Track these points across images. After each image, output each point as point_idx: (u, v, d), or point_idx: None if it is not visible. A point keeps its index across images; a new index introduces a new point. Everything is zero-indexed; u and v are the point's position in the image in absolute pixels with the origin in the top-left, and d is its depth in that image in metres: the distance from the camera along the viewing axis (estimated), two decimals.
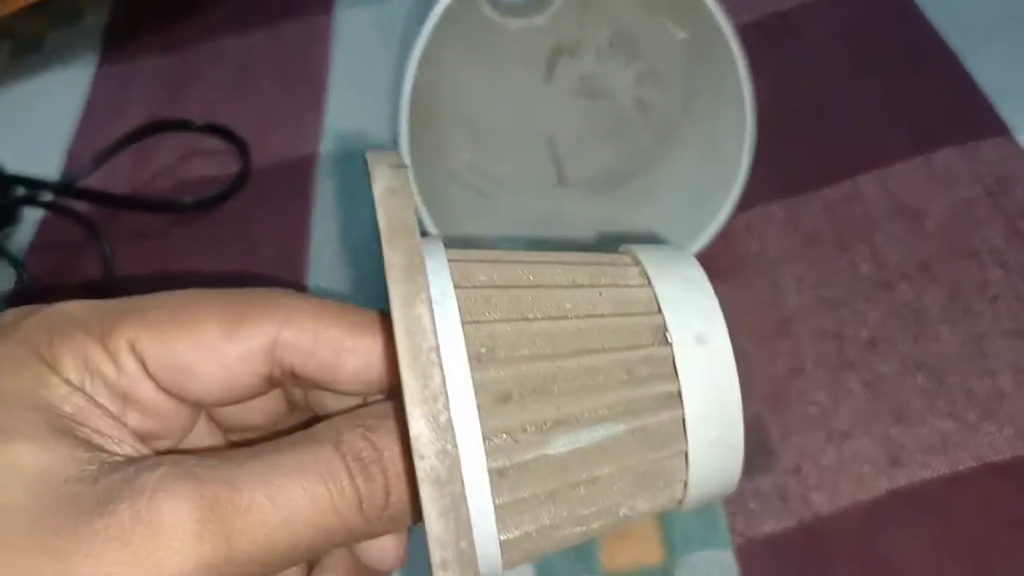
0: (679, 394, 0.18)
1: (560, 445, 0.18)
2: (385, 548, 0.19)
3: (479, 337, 0.17)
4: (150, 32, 0.51)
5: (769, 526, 0.28)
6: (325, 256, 0.38)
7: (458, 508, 0.16)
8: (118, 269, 0.39)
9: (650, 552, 0.28)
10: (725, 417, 0.19)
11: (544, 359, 0.18)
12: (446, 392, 0.16)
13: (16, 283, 0.39)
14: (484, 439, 0.17)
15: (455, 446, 0.16)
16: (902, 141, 0.35)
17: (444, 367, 0.16)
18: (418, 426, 0.16)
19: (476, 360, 0.17)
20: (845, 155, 0.35)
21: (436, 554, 0.16)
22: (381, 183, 0.18)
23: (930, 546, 0.26)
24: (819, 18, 0.40)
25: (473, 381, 0.17)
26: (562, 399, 0.18)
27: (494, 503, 0.17)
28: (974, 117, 0.34)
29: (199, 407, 0.19)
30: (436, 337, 0.16)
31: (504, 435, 0.17)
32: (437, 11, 0.31)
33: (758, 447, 0.29)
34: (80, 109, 0.48)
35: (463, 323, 0.17)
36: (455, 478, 0.16)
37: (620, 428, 0.18)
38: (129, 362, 0.17)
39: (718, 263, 0.34)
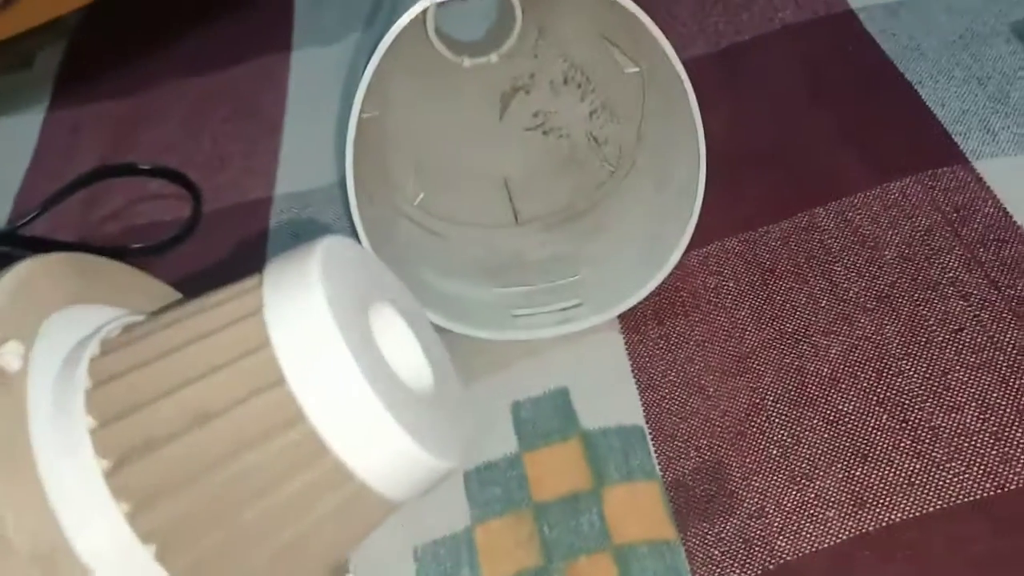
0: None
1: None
2: None
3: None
4: (103, 76, 0.50)
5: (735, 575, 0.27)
6: None
7: None
8: None
9: None
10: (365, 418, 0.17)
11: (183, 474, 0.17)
12: None
13: None
14: None
15: None
16: (859, 171, 0.34)
17: None
18: None
19: None
20: (802, 187, 0.34)
21: None
22: None
23: None
24: (774, 50, 0.39)
25: None
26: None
27: None
28: (931, 145, 0.34)
29: None
30: None
31: None
32: (382, 47, 0.30)
33: (719, 489, 0.28)
34: (29, 155, 0.47)
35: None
36: None
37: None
38: None
39: (676, 298, 0.33)
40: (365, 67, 0.30)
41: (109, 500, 0.17)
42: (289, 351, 0.17)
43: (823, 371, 0.30)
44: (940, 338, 0.30)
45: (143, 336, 0.19)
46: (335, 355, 0.17)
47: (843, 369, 0.30)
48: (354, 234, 0.31)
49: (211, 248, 0.40)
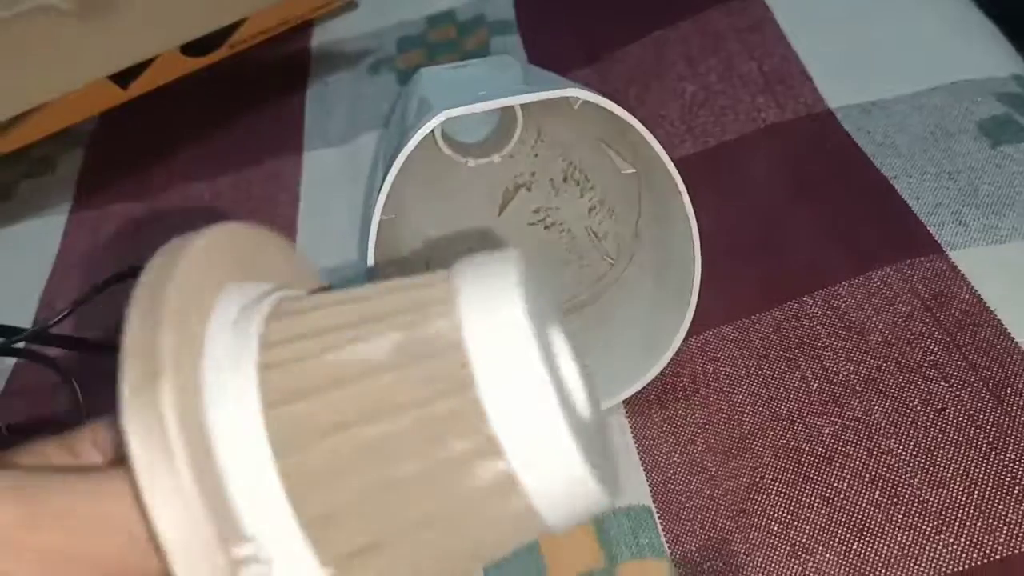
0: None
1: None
2: None
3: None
4: (121, 179, 0.52)
5: None
6: None
7: None
8: (90, 410, 0.40)
9: None
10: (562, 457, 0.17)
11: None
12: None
13: None
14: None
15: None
16: (842, 262, 0.36)
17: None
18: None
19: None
20: (790, 277, 0.37)
21: None
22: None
23: None
24: (758, 148, 0.42)
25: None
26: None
27: None
28: (907, 236, 0.37)
29: None
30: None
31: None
32: (401, 158, 0.32)
33: (725, 565, 0.30)
34: (53, 255, 0.49)
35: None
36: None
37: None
38: None
39: (676, 383, 0.35)
40: (383, 178, 0.33)
41: (276, 483, 0.18)
42: (483, 358, 0.17)
43: (818, 450, 0.32)
44: (925, 418, 0.32)
45: (314, 320, 0.19)
46: (530, 368, 0.17)
47: (836, 448, 0.32)
48: None
49: None
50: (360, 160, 0.49)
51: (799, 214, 0.39)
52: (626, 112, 0.32)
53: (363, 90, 0.53)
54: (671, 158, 0.32)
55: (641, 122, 0.32)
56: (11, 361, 0.43)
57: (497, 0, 0.56)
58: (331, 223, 0.46)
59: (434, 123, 0.32)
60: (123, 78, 0.49)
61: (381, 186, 0.33)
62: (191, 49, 0.51)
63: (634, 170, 0.37)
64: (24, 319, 0.46)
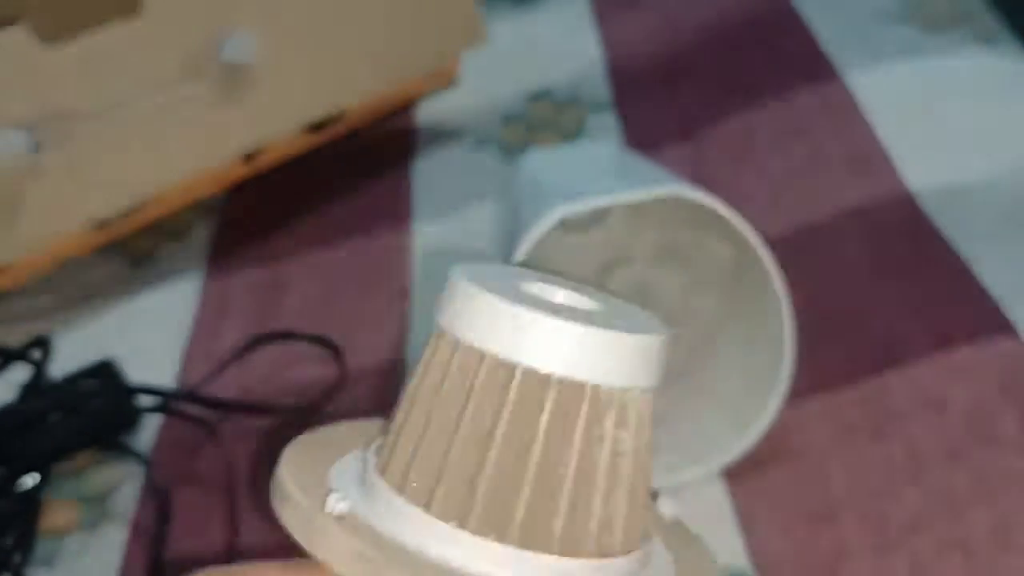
0: None
1: None
2: None
3: None
4: (248, 248, 0.57)
5: None
6: None
7: None
8: (235, 467, 0.44)
9: None
10: None
11: None
12: None
13: (145, 483, 0.44)
14: None
15: None
16: (922, 339, 0.39)
17: None
18: None
19: None
20: (873, 353, 0.40)
21: None
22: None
23: None
24: (840, 230, 0.45)
25: None
26: None
27: None
28: (983, 316, 0.39)
29: None
30: None
31: None
32: (528, 242, 0.36)
33: None
34: (191, 320, 0.54)
35: None
36: None
37: None
38: None
39: (766, 453, 0.38)
40: (507, 255, 0.36)
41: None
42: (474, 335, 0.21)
43: (902, 519, 0.35)
44: (1003, 489, 0.34)
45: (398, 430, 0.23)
46: (470, 289, 0.22)
47: (920, 517, 0.35)
48: None
49: (355, 404, 0.46)
50: (466, 231, 0.53)
51: (880, 293, 0.42)
52: (725, 207, 0.36)
53: (467, 164, 0.58)
54: (760, 237, 0.36)
55: (732, 202, 0.36)
56: (157, 417, 0.48)
57: (593, 78, 0.60)
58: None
59: (554, 220, 0.36)
60: (248, 154, 0.55)
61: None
62: (309, 127, 0.56)
63: (729, 251, 0.41)
64: (165, 378, 0.50)
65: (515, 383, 0.20)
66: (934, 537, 0.34)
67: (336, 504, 0.21)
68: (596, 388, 0.21)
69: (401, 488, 0.22)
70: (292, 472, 0.23)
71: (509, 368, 0.21)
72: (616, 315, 0.23)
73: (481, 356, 0.21)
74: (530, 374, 0.20)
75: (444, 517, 0.21)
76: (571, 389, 0.21)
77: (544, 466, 0.20)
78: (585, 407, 0.21)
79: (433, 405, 0.22)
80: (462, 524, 0.21)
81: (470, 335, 0.21)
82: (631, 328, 0.21)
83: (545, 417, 0.20)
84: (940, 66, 0.52)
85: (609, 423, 0.21)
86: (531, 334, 0.20)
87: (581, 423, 0.21)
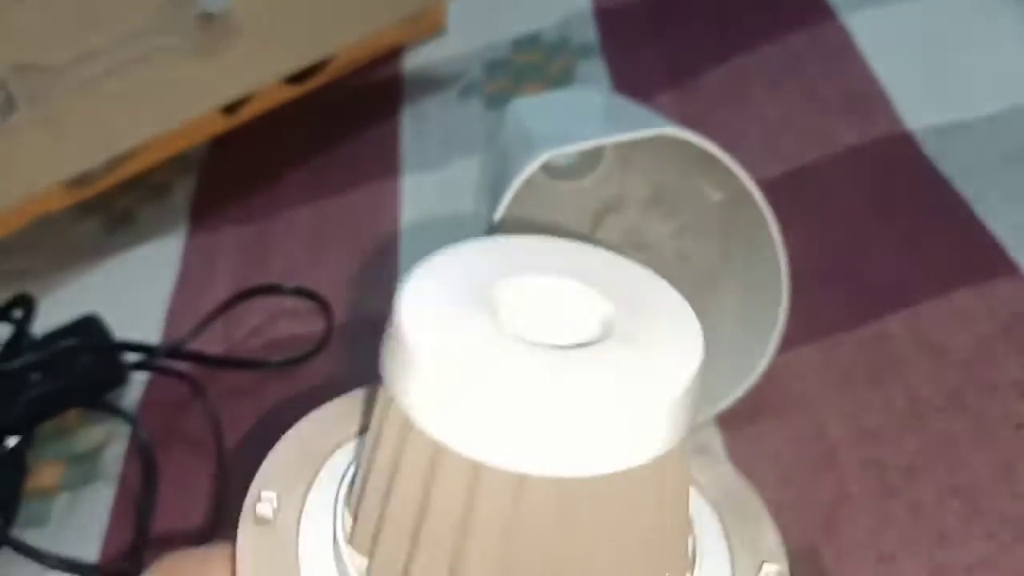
0: None
1: None
2: None
3: None
4: (231, 204, 0.56)
5: None
6: None
7: None
8: (221, 423, 0.43)
9: None
10: None
11: None
12: None
13: (132, 441, 0.44)
14: None
15: None
16: (922, 283, 0.38)
17: None
18: None
19: None
20: (871, 298, 0.39)
21: None
22: None
23: None
24: (837, 172, 0.44)
25: None
26: None
27: None
28: (985, 258, 0.38)
29: None
30: None
31: None
32: (515, 186, 0.35)
33: (813, 570, 0.32)
34: (175, 277, 0.53)
35: None
36: None
37: None
38: None
39: (762, 401, 0.37)
40: (490, 208, 0.35)
41: None
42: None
43: (901, 464, 0.34)
44: (1004, 434, 0.34)
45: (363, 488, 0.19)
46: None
47: (920, 462, 0.34)
48: None
49: (344, 357, 0.46)
50: (454, 184, 0.52)
51: (879, 236, 0.41)
52: (717, 148, 0.35)
53: (454, 115, 0.56)
54: (754, 181, 0.35)
55: (725, 146, 0.35)
56: (144, 375, 0.47)
57: (581, 23, 0.59)
58: (433, 248, 0.49)
59: (540, 161, 0.35)
60: (229, 106, 0.53)
61: (487, 216, 0.36)
62: (291, 77, 0.55)
63: (722, 196, 0.40)
64: (151, 336, 0.50)
65: (481, 488, 0.17)
66: (934, 483, 0.33)
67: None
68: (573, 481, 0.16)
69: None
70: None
71: (473, 468, 0.17)
72: (617, 317, 0.19)
73: (438, 448, 0.17)
74: (495, 475, 0.16)
75: None
76: (536, 485, 0.16)
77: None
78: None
79: (391, 491, 0.18)
80: None
81: (424, 418, 0.17)
82: (640, 366, 0.17)
83: (501, 522, 0.17)
84: (938, 4, 0.50)
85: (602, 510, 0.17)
86: (497, 427, 0.16)
87: (548, 521, 0.17)
